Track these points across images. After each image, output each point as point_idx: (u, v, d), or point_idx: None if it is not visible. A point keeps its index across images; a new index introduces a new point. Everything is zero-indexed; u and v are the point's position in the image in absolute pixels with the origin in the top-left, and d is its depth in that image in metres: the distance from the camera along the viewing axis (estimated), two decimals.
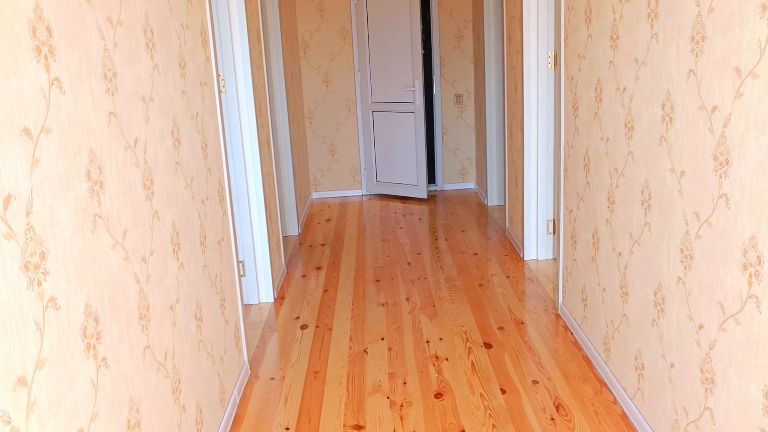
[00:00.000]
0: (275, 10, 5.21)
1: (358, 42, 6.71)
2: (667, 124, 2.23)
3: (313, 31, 6.73)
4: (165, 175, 2.17)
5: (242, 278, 4.13)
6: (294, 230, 5.74)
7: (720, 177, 1.88)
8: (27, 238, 1.28)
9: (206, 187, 2.72)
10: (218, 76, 3.02)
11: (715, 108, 1.90)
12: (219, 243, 2.90)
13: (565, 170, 3.57)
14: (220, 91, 3.03)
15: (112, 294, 1.68)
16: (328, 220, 6.18)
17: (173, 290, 2.20)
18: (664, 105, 2.25)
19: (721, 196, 1.88)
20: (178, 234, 2.28)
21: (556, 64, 4.29)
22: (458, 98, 6.96)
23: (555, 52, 4.35)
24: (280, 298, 4.31)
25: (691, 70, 2.04)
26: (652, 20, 2.31)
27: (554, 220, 4.63)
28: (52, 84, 1.42)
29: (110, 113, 1.74)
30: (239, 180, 3.95)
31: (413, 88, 6.43)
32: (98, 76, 1.67)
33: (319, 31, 6.74)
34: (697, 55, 1.99)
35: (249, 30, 3.88)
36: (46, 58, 1.40)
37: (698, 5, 1.97)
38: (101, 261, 1.62)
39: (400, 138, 6.68)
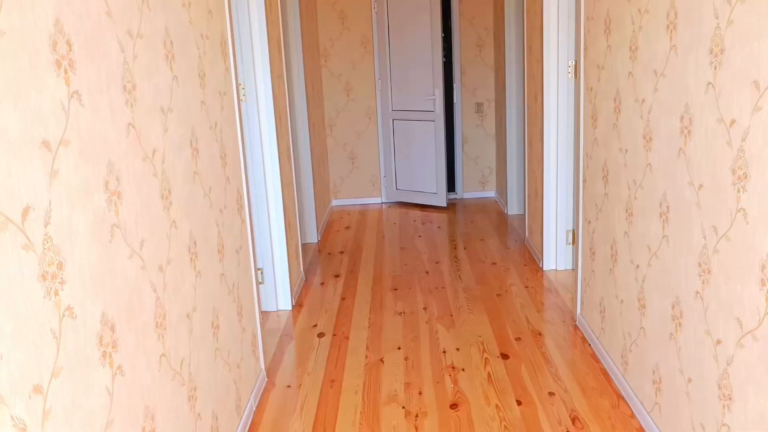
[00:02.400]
0: (296, 19, 5.25)
1: (379, 50, 6.73)
2: (685, 136, 2.21)
3: (335, 39, 6.77)
4: (183, 184, 2.20)
5: (260, 285, 4.15)
6: (313, 237, 5.76)
7: (738, 191, 1.86)
8: (45, 248, 1.31)
9: (224, 196, 2.75)
10: (238, 85, 3.05)
11: (733, 121, 1.88)
12: (237, 251, 2.92)
13: (584, 181, 3.55)
14: (239, 101, 3.06)
15: (128, 303, 1.70)
16: (347, 228, 6.20)
17: (190, 299, 2.22)
18: (682, 117, 2.23)
19: (739, 210, 1.86)
20: (195, 243, 2.30)
21: (575, 74, 4.27)
22: (479, 107, 6.95)
23: (575, 62, 4.34)
24: (298, 305, 4.33)
25: (709, 83, 2.02)
26: (671, 32, 2.30)
27: (573, 231, 4.61)
28: (72, 97, 1.45)
29: (129, 124, 1.76)
30: (258, 188, 3.98)
31: (433, 97, 6.44)
32: (117, 89, 1.70)
33: (340, 40, 6.78)
34: (715, 68, 1.98)
35: (270, 39, 3.91)
36: (65, 71, 1.43)
37: (717, 18, 1.95)
38: (118, 270, 1.65)
39: (420, 146, 6.69)
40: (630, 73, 2.74)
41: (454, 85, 6.92)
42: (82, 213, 1.47)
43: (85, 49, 1.53)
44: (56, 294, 1.34)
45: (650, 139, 2.54)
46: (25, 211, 1.25)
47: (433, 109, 6.48)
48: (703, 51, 2.06)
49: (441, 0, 6.24)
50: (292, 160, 4.50)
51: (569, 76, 4.40)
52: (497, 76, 6.65)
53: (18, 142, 1.23)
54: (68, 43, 1.45)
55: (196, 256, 2.31)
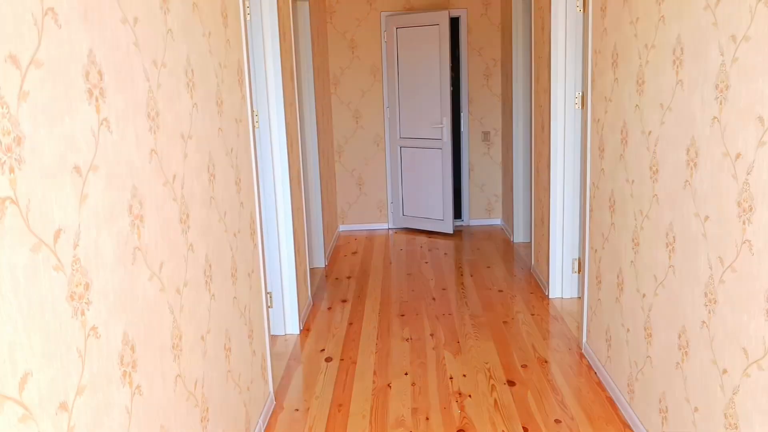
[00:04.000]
0: (308, 47, 5.35)
1: (388, 79, 6.83)
2: (691, 169, 2.26)
3: (345, 67, 6.88)
4: (200, 208, 2.26)
5: (269, 309, 4.19)
6: (321, 262, 5.81)
7: (744, 223, 1.91)
8: (73, 270, 1.35)
9: (238, 220, 2.80)
10: (252, 112, 3.12)
11: (738, 155, 1.93)
12: (249, 275, 2.97)
13: (591, 210, 3.60)
14: (254, 127, 3.13)
15: (147, 324, 1.75)
16: (354, 253, 6.24)
17: (204, 321, 2.26)
18: (688, 150, 2.28)
19: (744, 242, 1.91)
20: (210, 266, 2.35)
21: (583, 105, 4.34)
22: (486, 135, 7.03)
23: (582, 93, 4.41)
24: (305, 330, 4.36)
25: (715, 117, 2.07)
26: (677, 67, 2.36)
27: (579, 259, 4.64)
28: (101, 124, 1.51)
29: (152, 150, 1.82)
30: (269, 213, 4.04)
31: (441, 125, 6.52)
32: (142, 116, 1.76)
33: (350, 68, 6.88)
34: (721, 103, 2.03)
35: (283, 68, 4.00)
36: (96, 100, 1.49)
37: (722, 55, 2.02)
38: (139, 292, 1.70)
39: (427, 173, 6.75)
40: (637, 105, 2.80)
41: (462, 114, 7.00)
42: (108, 236, 1.52)
43: (115, 78, 1.60)
44: (83, 314, 1.39)
45: (657, 170, 2.60)
46: (57, 234, 1.30)
47: (440, 137, 6.56)
48: (709, 86, 2.11)
49: (449, 31, 6.34)
50: (302, 185, 4.57)
51: (576, 106, 4.47)
52: (504, 105, 6.74)
53: (52, 167, 1.29)
54: (99, 73, 1.51)
55: (211, 279, 2.35)
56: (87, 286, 1.41)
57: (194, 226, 2.18)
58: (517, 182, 6.25)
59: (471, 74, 6.92)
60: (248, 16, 3.78)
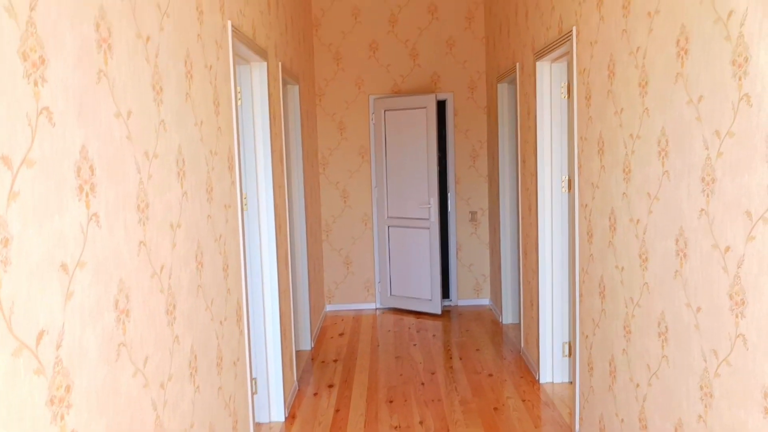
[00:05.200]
0: (297, 129, 5.43)
1: (376, 159, 6.91)
2: (681, 259, 2.27)
3: (333, 148, 6.96)
4: (187, 298, 2.22)
5: (254, 395, 4.08)
6: (307, 344, 5.71)
7: (737, 317, 1.89)
8: (55, 372, 1.31)
9: (225, 307, 2.76)
10: (242, 195, 3.12)
11: (728, 248, 1.94)
12: (234, 363, 2.90)
13: (581, 295, 3.58)
14: (242, 210, 3.12)
15: (129, 421, 1.68)
16: (341, 335, 6.15)
17: (188, 415, 2.19)
18: (677, 240, 2.29)
19: (738, 336, 1.89)
20: (196, 357, 2.29)
21: (569, 189, 4.38)
22: (473, 215, 7.07)
23: (568, 177, 4.47)
24: (291, 417, 4.24)
25: (702, 209, 2.09)
26: (663, 158, 2.40)
27: (570, 343, 4.59)
28: (91, 219, 1.50)
29: (140, 242, 1.80)
30: (256, 296, 3.99)
31: (428, 205, 6.56)
32: (132, 208, 1.75)
33: (338, 149, 6.97)
34: (708, 196, 2.06)
35: (273, 151, 4.03)
36: (87, 195, 1.48)
37: (707, 149, 2.05)
38: (122, 389, 1.64)
39: (415, 253, 6.75)
40: (624, 193, 2.83)
41: (449, 194, 7.07)
42: (92, 333, 1.48)
43: (107, 172, 1.59)
44: (62, 418, 1.33)
45: (646, 258, 2.60)
46: (40, 335, 1.26)
47: (428, 217, 6.59)
48: (695, 178, 2.14)
49: (436, 113, 6.47)
50: (289, 266, 4.54)
51: (563, 190, 4.53)
52: (491, 185, 6.81)
53: (39, 265, 1.26)
54: (91, 168, 1.51)
55: (196, 371, 2.29)
56: (68, 389, 1.36)
57: (180, 316, 2.14)
58: (504, 262, 6.25)
59: (458, 155, 7.02)
60: (239, 101, 3.84)
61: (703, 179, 2.09)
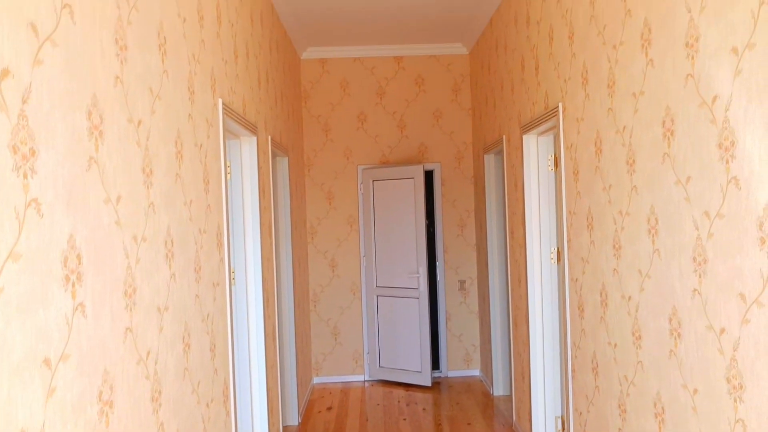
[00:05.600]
0: (286, 199, 5.43)
1: (365, 228, 6.92)
2: (675, 338, 2.24)
3: (322, 218, 6.97)
4: (173, 382, 2.16)
5: None
6: (294, 419, 5.56)
7: (735, 401, 1.86)
8: None
9: (212, 388, 2.68)
10: (230, 271, 3.09)
11: (723, 330, 1.92)
12: None
13: (573, 371, 3.53)
14: (231, 286, 3.08)
15: None
16: (329, 409, 6.01)
17: None
18: (671, 319, 2.28)
19: (738, 421, 1.85)
20: None
21: (559, 260, 4.38)
22: (462, 284, 7.04)
23: (558, 248, 4.47)
24: None
25: (695, 289, 2.08)
26: (653, 236, 2.40)
27: (563, 417, 4.50)
28: (76, 309, 1.46)
29: (127, 329, 1.76)
30: (243, 374, 3.90)
31: (417, 274, 6.54)
32: (119, 295, 1.72)
33: (327, 218, 6.97)
34: (700, 276, 2.05)
35: (261, 224, 4.02)
36: (73, 285, 1.45)
37: (697, 229, 2.06)
38: None
39: (403, 323, 6.68)
40: (615, 269, 2.83)
41: (438, 263, 7.05)
42: (74, 429, 1.42)
43: (94, 260, 1.57)
44: None
45: (639, 336, 2.57)
46: None
47: (417, 287, 6.55)
48: (687, 258, 2.14)
49: (424, 183, 6.52)
50: (277, 342, 4.46)
51: (552, 261, 4.52)
52: (479, 254, 6.81)
53: (21, 363, 1.22)
54: (78, 257, 1.48)
55: None
56: None
57: (166, 402, 2.07)
58: (494, 333, 6.18)
59: (446, 224, 7.04)
60: (229, 175, 3.85)
61: (694, 259, 2.09)
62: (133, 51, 1.89)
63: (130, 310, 1.79)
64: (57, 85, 1.41)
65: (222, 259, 2.95)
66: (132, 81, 1.87)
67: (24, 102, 1.28)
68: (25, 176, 1.27)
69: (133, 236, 1.84)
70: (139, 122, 1.92)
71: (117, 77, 1.76)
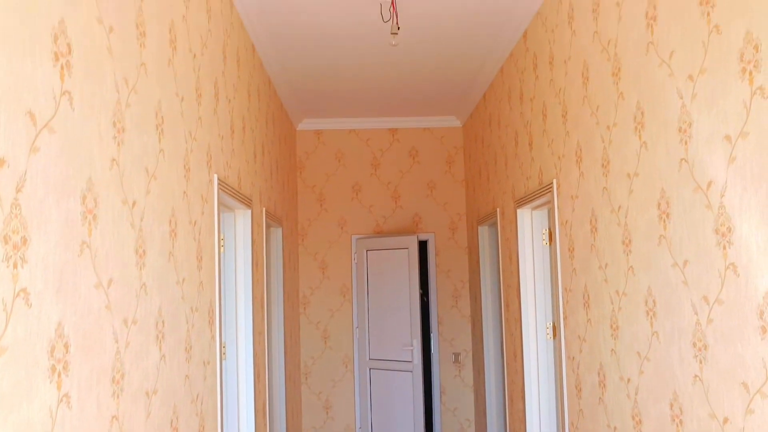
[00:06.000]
0: (279, 271, 5.39)
1: (358, 299, 6.85)
2: (677, 425, 2.19)
3: (314, 288, 6.91)
4: None
5: None
6: None
7: None
8: None
9: None
10: (221, 346, 3.02)
11: (726, 419, 1.87)
12: None
13: None
14: (221, 361, 3.01)
15: None
16: None
17: None
18: (672, 405, 2.22)
19: None
20: None
21: (554, 335, 4.33)
22: (456, 357, 6.94)
23: (553, 323, 4.42)
24: None
25: (696, 376, 2.04)
26: (651, 318, 2.38)
27: None
28: (61, 401, 1.41)
29: (113, 417, 1.70)
30: None
31: (411, 347, 6.44)
32: (107, 382, 1.67)
33: (320, 288, 6.92)
34: (701, 362, 2.01)
35: (254, 298, 3.97)
36: (59, 375, 1.40)
37: (696, 314, 2.03)
38: None
39: (397, 397, 6.54)
40: (613, 350, 2.78)
41: (432, 335, 6.96)
42: None
43: (82, 347, 1.52)
44: None
45: (640, 421, 2.51)
46: None
47: (410, 359, 6.45)
48: (686, 342, 2.11)
49: (418, 253, 6.50)
50: (267, 418, 4.34)
51: (548, 337, 4.46)
52: (474, 326, 6.74)
53: None
54: (66, 346, 1.44)
55: None
56: None
57: None
58: (489, 407, 6.05)
59: (440, 295, 6.99)
60: (222, 248, 3.82)
61: (694, 344, 2.06)
62: (131, 133, 1.90)
63: (117, 397, 1.74)
64: (53, 171, 1.40)
65: (213, 337, 2.90)
66: (128, 162, 1.87)
67: (18, 191, 1.26)
68: (15, 266, 1.24)
69: (124, 320, 1.80)
70: (134, 203, 1.91)
71: (113, 160, 1.75)
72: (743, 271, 1.77)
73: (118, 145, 1.79)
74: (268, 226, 4.93)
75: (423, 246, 7.94)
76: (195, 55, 2.69)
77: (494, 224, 5.76)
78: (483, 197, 5.90)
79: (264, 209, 4.42)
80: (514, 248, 4.72)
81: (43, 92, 1.38)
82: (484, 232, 6.11)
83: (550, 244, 4.34)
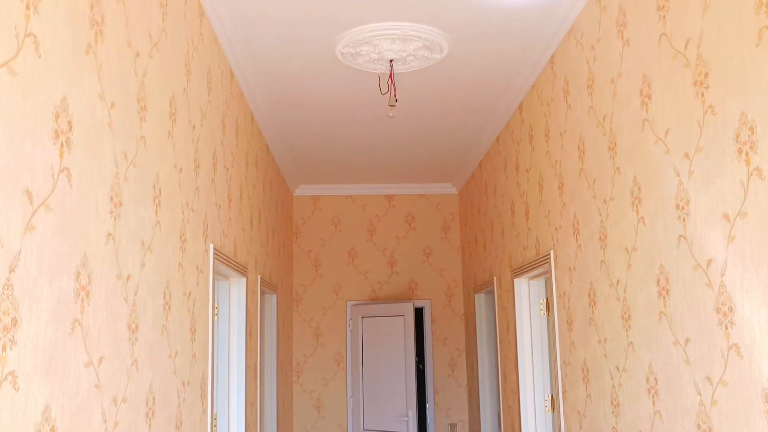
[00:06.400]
0: (273, 339, 5.31)
1: (352, 367, 6.74)
2: None
3: (309, 355, 6.80)
4: None
5: None
6: None
7: None
8: None
9: None
10: (212, 418, 2.94)
11: None
12: None
13: None
14: None
15: None
16: None
17: None
18: None
19: None
20: None
21: (553, 409, 4.24)
22: (452, 427, 6.78)
23: (552, 395, 4.34)
24: None
25: None
26: (653, 396, 2.33)
27: None
28: None
29: None
30: None
31: (407, 418, 6.29)
32: None
33: (314, 356, 6.81)
34: None
35: (247, 368, 3.90)
36: None
37: (700, 394, 1.99)
38: None
39: None
40: (614, 428, 2.72)
41: (428, 405, 6.82)
42: None
43: (69, 429, 1.47)
44: None
45: None
46: None
47: (406, 430, 6.29)
48: (690, 423, 2.06)
49: (414, 320, 6.43)
50: None
51: (546, 410, 4.37)
52: (471, 396, 6.61)
53: None
54: (52, 429, 1.39)
55: None
56: None
57: None
58: None
59: (436, 363, 6.88)
60: (216, 317, 3.77)
61: (699, 426, 2.00)
62: (128, 206, 1.89)
63: None
64: (47, 249, 1.39)
65: (204, 411, 2.82)
66: (124, 236, 1.85)
67: (11, 271, 1.24)
68: (3, 348, 1.21)
69: (113, 398, 1.75)
70: (128, 277, 1.88)
71: (109, 234, 1.74)
72: (746, 352, 1.74)
73: (115, 219, 1.78)
74: (262, 293, 4.88)
75: (419, 313, 7.87)
76: (194, 126, 2.71)
77: (491, 292, 5.72)
78: (479, 265, 5.88)
79: (259, 277, 4.39)
80: (511, 318, 4.67)
81: (42, 170, 1.37)
82: (480, 299, 6.06)
83: (548, 314, 4.29)
